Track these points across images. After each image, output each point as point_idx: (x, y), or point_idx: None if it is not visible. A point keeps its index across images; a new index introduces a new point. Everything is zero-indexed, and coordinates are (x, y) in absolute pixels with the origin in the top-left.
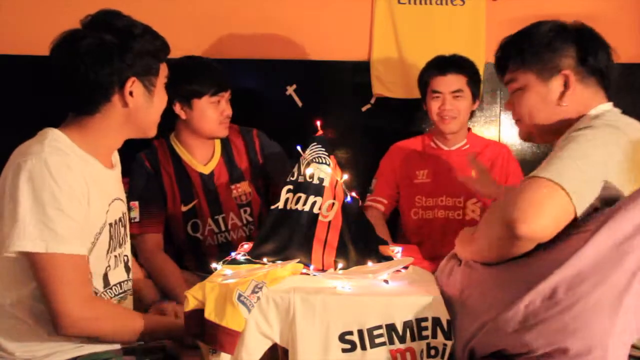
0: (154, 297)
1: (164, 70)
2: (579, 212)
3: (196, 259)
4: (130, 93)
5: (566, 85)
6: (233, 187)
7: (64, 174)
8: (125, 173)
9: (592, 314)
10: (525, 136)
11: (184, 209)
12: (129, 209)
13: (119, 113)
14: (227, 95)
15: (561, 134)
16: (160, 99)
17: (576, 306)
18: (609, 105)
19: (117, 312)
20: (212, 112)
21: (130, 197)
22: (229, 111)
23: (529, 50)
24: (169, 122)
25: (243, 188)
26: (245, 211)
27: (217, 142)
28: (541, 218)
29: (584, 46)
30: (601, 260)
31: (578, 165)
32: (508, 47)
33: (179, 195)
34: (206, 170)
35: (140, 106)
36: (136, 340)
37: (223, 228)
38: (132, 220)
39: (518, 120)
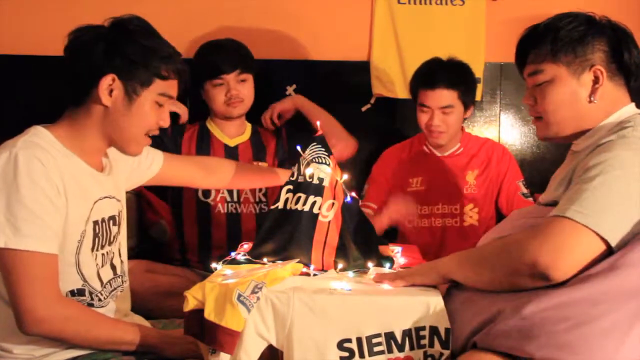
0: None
1: (160, 87)
2: (614, 245)
3: (200, 229)
4: (111, 92)
5: (597, 81)
6: (255, 163)
7: (33, 169)
8: None
9: (600, 337)
10: (546, 134)
11: None
12: None
13: (99, 112)
14: (232, 76)
15: (582, 133)
16: (142, 112)
17: (586, 326)
18: (633, 107)
19: (86, 316)
20: (217, 94)
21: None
22: (235, 92)
23: (560, 42)
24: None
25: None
26: (260, 190)
27: (248, 127)
28: (575, 261)
29: (617, 41)
30: (623, 287)
31: (615, 204)
32: (533, 39)
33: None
34: (231, 144)
35: (117, 110)
36: (103, 348)
37: (235, 198)
38: None
39: (538, 118)
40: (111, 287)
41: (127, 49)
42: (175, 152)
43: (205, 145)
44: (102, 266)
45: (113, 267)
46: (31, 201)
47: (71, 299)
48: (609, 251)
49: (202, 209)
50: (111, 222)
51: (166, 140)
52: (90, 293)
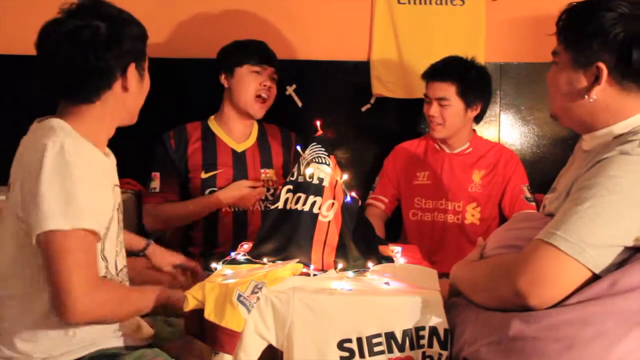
0: (141, 245)
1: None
2: (599, 273)
3: (206, 227)
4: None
5: (597, 79)
6: (262, 171)
7: (81, 156)
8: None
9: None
10: (552, 113)
11: (203, 176)
12: (150, 179)
13: (117, 99)
14: (269, 70)
15: (587, 129)
16: (147, 82)
17: (577, 349)
18: None
19: (119, 293)
20: (252, 81)
21: (151, 168)
22: (269, 83)
23: (577, 33)
24: (207, 108)
25: (270, 175)
26: (267, 189)
27: (255, 128)
28: (556, 291)
29: (635, 37)
30: (615, 309)
31: (602, 231)
32: (567, 19)
33: (201, 163)
34: (239, 149)
35: (134, 91)
36: (129, 319)
37: None
38: (152, 190)
39: (550, 97)
40: (123, 274)
41: (129, 32)
42: (182, 165)
43: (211, 152)
44: (119, 253)
45: (124, 256)
46: (83, 187)
47: (105, 280)
48: (595, 276)
49: (210, 214)
50: (120, 209)
51: (172, 155)
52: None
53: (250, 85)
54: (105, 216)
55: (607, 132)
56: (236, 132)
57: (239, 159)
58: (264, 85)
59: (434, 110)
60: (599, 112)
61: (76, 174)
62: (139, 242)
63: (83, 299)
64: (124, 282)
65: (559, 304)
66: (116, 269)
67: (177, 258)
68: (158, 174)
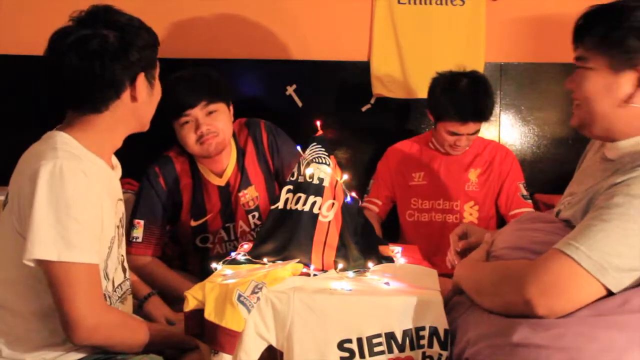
0: (144, 293)
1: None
2: (616, 292)
3: (200, 264)
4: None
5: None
6: (241, 194)
7: (79, 180)
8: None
9: None
10: (577, 123)
11: (193, 224)
12: (132, 226)
13: (126, 109)
14: (197, 110)
15: (614, 137)
16: (157, 91)
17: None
18: None
19: (127, 321)
20: (186, 134)
21: (135, 214)
22: (206, 127)
23: (613, 33)
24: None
25: (250, 193)
26: (253, 216)
27: (233, 152)
28: (567, 304)
29: None
30: (624, 326)
31: (630, 257)
32: (592, 21)
33: (189, 211)
34: (222, 182)
35: (144, 100)
36: (138, 351)
37: (232, 237)
38: (134, 240)
39: (577, 105)
40: (121, 290)
41: (139, 41)
42: (171, 210)
43: (199, 198)
44: (115, 269)
45: (124, 270)
46: (80, 213)
47: (110, 306)
48: (610, 293)
49: (201, 251)
50: (121, 224)
51: (162, 200)
52: (109, 297)
53: (187, 137)
54: (106, 238)
55: (637, 142)
56: (215, 166)
57: (224, 195)
58: (200, 132)
59: (465, 142)
60: (631, 119)
61: (72, 202)
62: (142, 290)
63: (87, 321)
64: (123, 298)
65: (568, 314)
66: (113, 286)
67: (172, 314)
68: (142, 222)
